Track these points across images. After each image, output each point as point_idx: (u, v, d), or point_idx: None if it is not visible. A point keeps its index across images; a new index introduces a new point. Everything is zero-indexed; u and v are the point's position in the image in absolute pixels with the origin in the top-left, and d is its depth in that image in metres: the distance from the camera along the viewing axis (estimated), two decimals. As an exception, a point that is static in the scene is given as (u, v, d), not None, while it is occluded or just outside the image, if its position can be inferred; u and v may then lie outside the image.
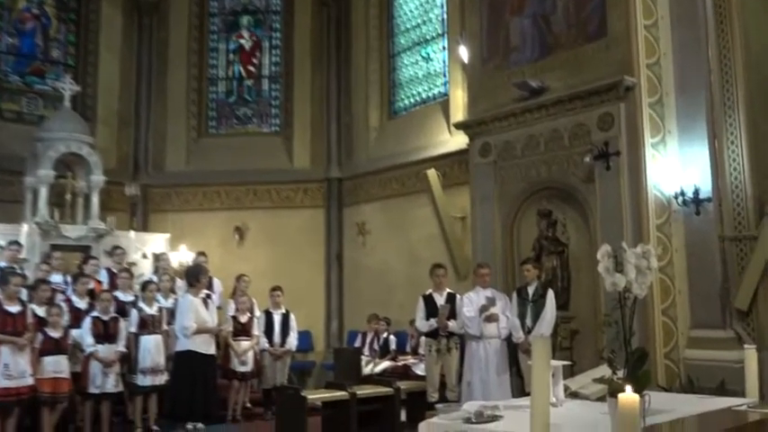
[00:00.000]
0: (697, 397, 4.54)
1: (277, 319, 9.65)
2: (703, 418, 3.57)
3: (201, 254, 10.38)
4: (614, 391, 2.93)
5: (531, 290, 7.82)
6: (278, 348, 9.52)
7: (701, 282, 7.46)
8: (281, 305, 9.77)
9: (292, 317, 9.77)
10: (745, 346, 4.20)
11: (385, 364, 10.10)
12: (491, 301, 7.87)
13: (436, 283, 8.57)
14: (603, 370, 3.67)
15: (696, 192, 7.46)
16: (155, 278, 9.37)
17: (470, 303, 8.00)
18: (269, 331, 9.55)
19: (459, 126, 9.93)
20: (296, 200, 13.26)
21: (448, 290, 8.57)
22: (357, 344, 10.70)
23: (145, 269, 10.88)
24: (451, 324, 8.21)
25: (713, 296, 7.38)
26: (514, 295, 7.95)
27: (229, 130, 13.99)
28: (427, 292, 8.56)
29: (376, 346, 10.49)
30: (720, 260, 7.40)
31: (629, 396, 2.52)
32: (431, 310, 8.34)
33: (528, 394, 2.88)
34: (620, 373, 3.24)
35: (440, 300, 8.39)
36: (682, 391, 6.74)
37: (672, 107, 7.81)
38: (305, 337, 11.57)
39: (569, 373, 5.16)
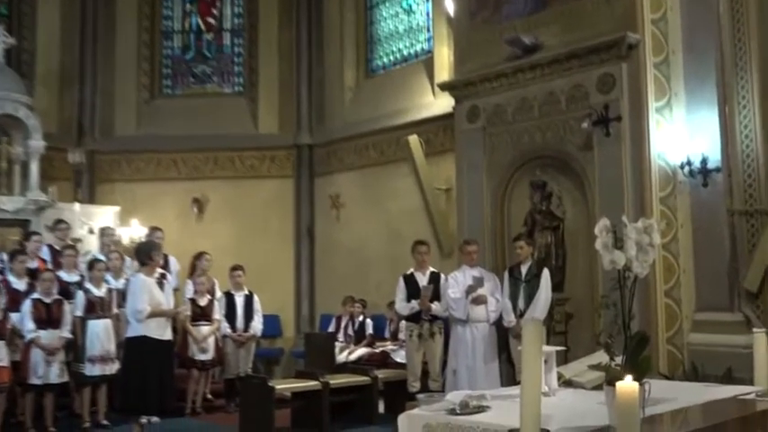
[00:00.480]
0: (701, 385, 4.61)
1: (239, 301, 9.65)
2: (708, 407, 3.62)
3: (156, 229, 10.31)
4: (612, 378, 2.97)
5: (524, 269, 7.88)
6: (241, 334, 9.53)
7: (707, 260, 7.54)
8: (242, 286, 9.77)
9: (256, 299, 9.78)
10: (755, 330, 4.23)
11: (361, 350, 10.16)
12: (479, 282, 7.92)
13: (418, 261, 8.61)
14: (600, 356, 3.71)
15: (704, 161, 7.51)
16: (102, 256, 9.30)
17: (456, 284, 8.05)
18: (230, 315, 9.55)
19: (444, 87, 9.90)
20: (262, 169, 13.18)
21: (431, 269, 8.62)
22: (330, 329, 10.75)
23: (92, 246, 10.78)
24: (435, 306, 8.27)
25: (721, 276, 7.47)
26: (506, 275, 8.01)
27: (186, 90, 13.83)
28: (408, 272, 8.61)
29: (351, 332, 10.53)
30: (729, 236, 7.49)
31: (627, 384, 2.56)
32: (412, 291, 8.39)
33: (518, 383, 2.91)
34: (619, 360, 3.28)
35: (422, 280, 8.44)
36: (685, 378, 6.86)
37: (679, 68, 7.84)
38: (272, 321, 11.59)
39: (563, 359, 5.22)
